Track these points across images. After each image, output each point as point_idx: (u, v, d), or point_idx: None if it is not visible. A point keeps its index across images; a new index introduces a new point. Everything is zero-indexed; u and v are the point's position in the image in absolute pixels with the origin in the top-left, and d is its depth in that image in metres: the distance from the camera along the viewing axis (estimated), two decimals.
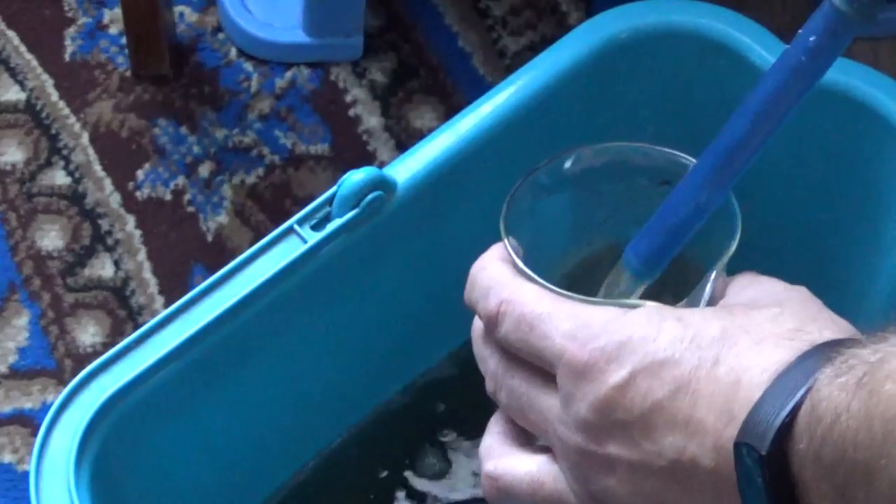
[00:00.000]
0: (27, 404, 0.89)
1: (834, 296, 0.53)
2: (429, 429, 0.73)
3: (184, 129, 0.99)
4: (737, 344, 0.47)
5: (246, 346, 0.63)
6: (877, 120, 0.66)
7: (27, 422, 0.88)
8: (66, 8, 1.05)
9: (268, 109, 1.00)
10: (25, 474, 0.85)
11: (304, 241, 0.62)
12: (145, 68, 1.01)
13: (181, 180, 0.97)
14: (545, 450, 0.52)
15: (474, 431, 0.73)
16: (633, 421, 0.48)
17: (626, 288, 0.55)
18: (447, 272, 0.60)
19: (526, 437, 0.54)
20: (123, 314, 0.92)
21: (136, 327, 0.76)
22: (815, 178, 0.70)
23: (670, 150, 0.56)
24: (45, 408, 0.88)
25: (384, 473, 0.72)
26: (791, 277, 0.53)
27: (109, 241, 0.95)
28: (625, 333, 0.48)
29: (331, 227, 0.62)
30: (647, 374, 0.47)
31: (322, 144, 0.99)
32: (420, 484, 0.72)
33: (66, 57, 1.03)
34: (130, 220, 0.95)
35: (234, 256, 0.63)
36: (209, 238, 0.95)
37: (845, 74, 0.66)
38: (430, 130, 0.69)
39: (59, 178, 0.97)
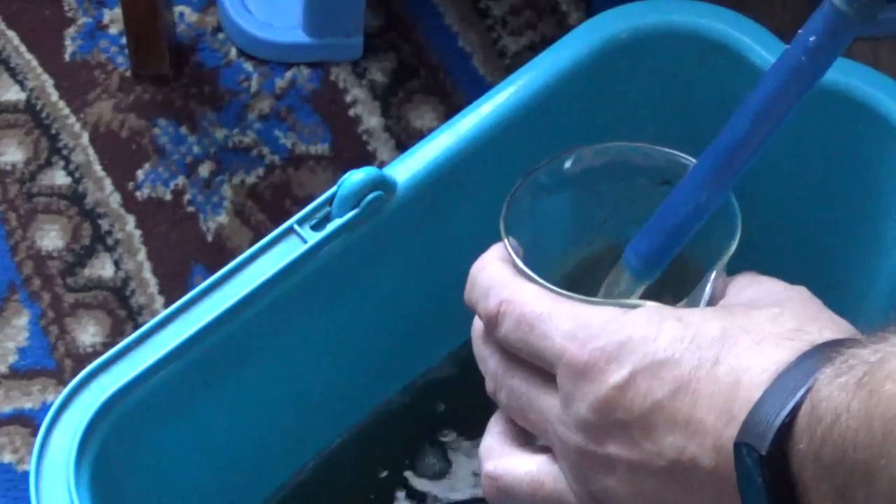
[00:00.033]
0: (27, 404, 0.89)
1: (834, 296, 0.53)
2: (429, 429, 0.73)
3: (184, 129, 0.99)
4: (737, 344, 0.47)
5: (246, 346, 0.63)
6: (877, 120, 0.66)
7: (27, 422, 0.88)
8: (66, 8, 1.05)
9: (268, 109, 1.00)
10: (25, 474, 0.85)
11: (304, 241, 0.62)
12: (145, 68, 1.01)
13: (181, 180, 0.97)
14: (545, 450, 0.52)
15: (474, 431, 0.73)
16: (633, 421, 0.48)
17: (627, 288, 0.55)
18: (447, 272, 0.60)
19: (526, 437, 0.54)
20: (123, 314, 0.92)
21: (136, 327, 0.76)
22: (815, 178, 0.70)
23: (670, 150, 0.56)
24: (45, 408, 0.88)
25: (384, 473, 0.72)
26: (791, 277, 0.53)
27: (109, 241, 0.95)
28: (625, 333, 0.48)
29: (331, 227, 0.62)
30: (647, 374, 0.47)
31: (322, 144, 0.99)
32: (420, 484, 0.72)
33: (66, 57, 1.03)
34: (130, 220, 0.95)
35: (234, 256, 0.63)
36: (209, 238, 0.95)
37: (845, 74, 0.66)
38: (430, 130, 0.69)
39: (59, 178, 0.97)
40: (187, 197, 0.96)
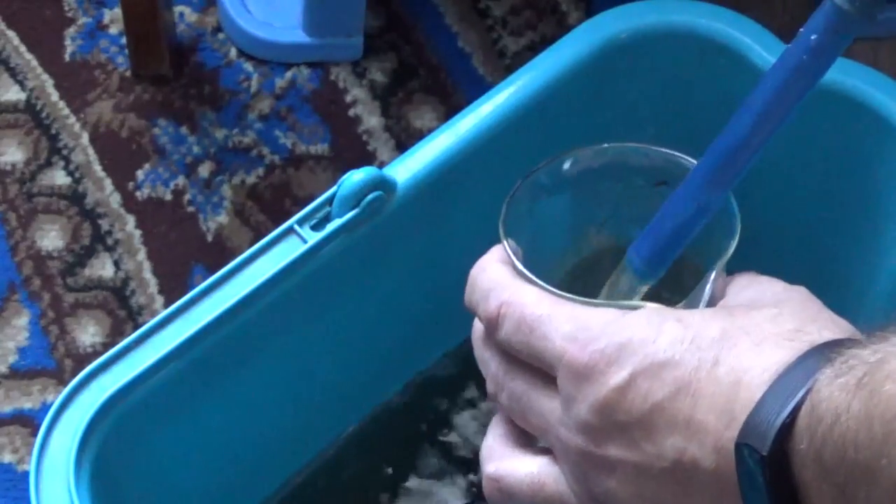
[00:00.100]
0: (27, 404, 0.89)
1: (834, 296, 0.53)
2: (429, 428, 0.73)
3: (184, 129, 0.99)
4: (737, 345, 0.47)
5: (246, 346, 0.63)
6: (877, 120, 0.66)
7: (27, 422, 0.88)
8: (66, 8, 1.05)
9: (268, 109, 1.00)
10: (25, 474, 0.85)
11: (304, 241, 0.62)
12: (145, 68, 1.01)
13: (181, 180, 0.97)
14: (546, 451, 0.52)
15: (474, 431, 0.73)
16: (633, 422, 0.48)
17: (629, 289, 0.55)
18: (447, 272, 0.60)
19: (527, 439, 0.54)
20: (123, 314, 0.92)
21: (136, 327, 0.76)
22: (815, 178, 0.70)
23: (669, 151, 0.56)
24: (45, 408, 0.88)
25: (384, 473, 0.72)
26: (791, 277, 0.53)
27: (109, 241, 0.95)
28: (625, 335, 0.48)
29: (331, 227, 0.62)
30: (647, 375, 0.47)
31: (322, 144, 0.99)
32: (420, 484, 0.72)
33: (66, 57, 1.03)
34: (130, 220, 0.95)
35: (234, 256, 0.63)
36: (209, 238, 0.95)
37: (845, 74, 0.66)
38: (430, 130, 0.69)
39: (59, 178, 0.97)
40: (187, 197, 0.96)
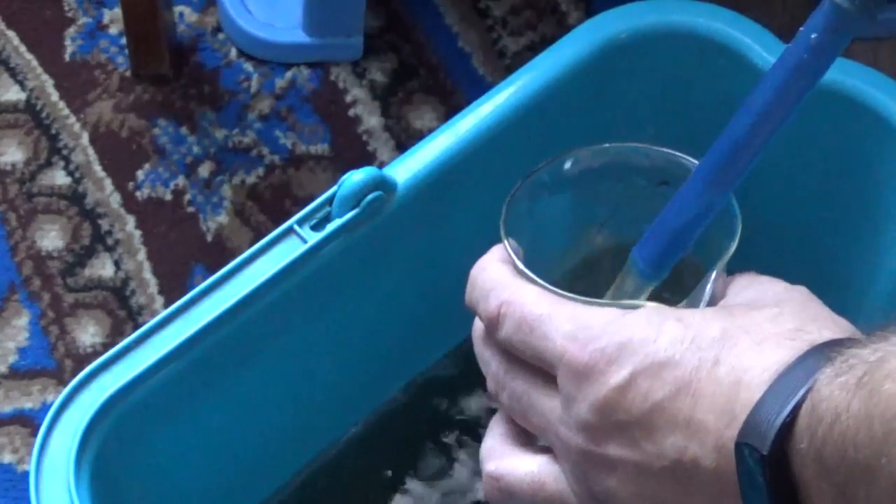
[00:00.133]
0: (27, 404, 0.89)
1: (834, 296, 0.53)
2: (430, 429, 0.73)
3: (184, 129, 0.99)
4: (737, 344, 0.47)
5: (246, 346, 0.63)
6: (877, 120, 0.66)
7: (27, 422, 0.88)
8: (66, 8, 1.05)
9: (268, 109, 1.00)
10: (25, 474, 0.85)
11: (304, 241, 0.62)
12: (145, 68, 1.01)
13: (181, 180, 0.97)
14: (546, 450, 0.52)
15: (475, 431, 0.73)
16: (633, 422, 0.48)
17: (634, 290, 0.55)
18: (447, 272, 0.60)
19: (527, 438, 0.54)
20: (123, 314, 0.92)
21: (136, 327, 0.76)
22: (815, 178, 0.70)
23: (669, 151, 0.56)
24: (45, 408, 0.88)
25: (385, 474, 0.72)
26: (791, 277, 0.53)
27: (109, 241, 0.95)
28: (625, 334, 0.48)
29: (331, 227, 0.62)
30: (647, 374, 0.47)
31: (322, 144, 0.99)
32: (421, 484, 0.72)
33: (66, 57, 1.03)
34: (130, 220, 0.95)
35: (234, 256, 0.63)
36: (209, 238, 0.95)
37: (845, 74, 0.66)
38: (430, 130, 0.69)
39: (59, 178, 0.97)
40: (187, 197, 0.96)
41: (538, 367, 0.51)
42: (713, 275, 0.53)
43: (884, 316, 0.65)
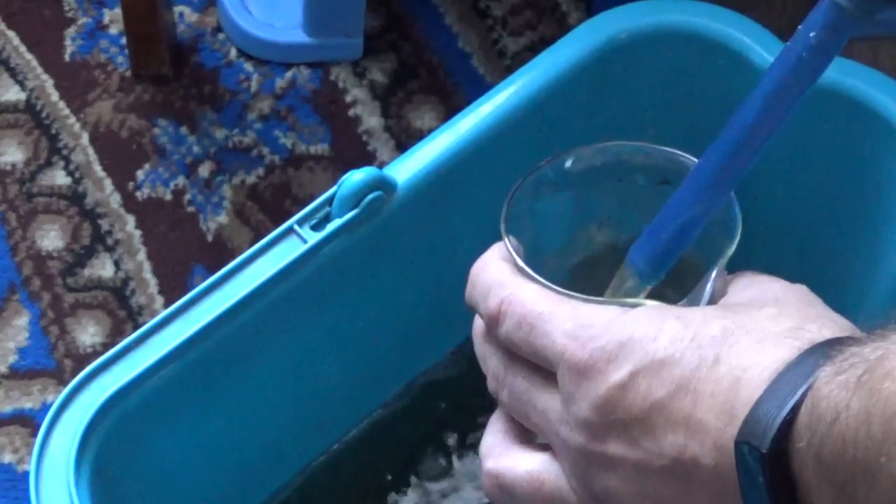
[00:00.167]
0: (27, 404, 0.89)
1: (834, 295, 0.53)
2: (430, 429, 0.73)
3: (184, 129, 0.99)
4: (737, 343, 0.47)
5: (246, 346, 0.63)
6: (877, 120, 0.66)
7: (27, 422, 0.88)
8: (66, 8, 1.05)
9: (268, 109, 1.00)
10: (25, 474, 0.85)
11: (304, 241, 0.62)
12: (145, 68, 1.01)
13: (181, 180, 0.97)
14: (546, 448, 0.52)
15: (476, 431, 0.73)
16: (633, 420, 0.48)
17: (632, 290, 0.55)
18: (447, 272, 0.60)
19: (527, 435, 0.54)
20: (123, 314, 0.92)
21: (136, 327, 0.76)
22: (815, 178, 0.70)
23: (670, 149, 0.56)
24: (45, 408, 0.88)
25: (385, 474, 0.72)
26: (791, 277, 0.53)
27: (109, 241, 0.95)
28: (625, 333, 0.48)
29: (331, 227, 0.62)
30: (647, 373, 0.47)
31: (322, 144, 0.99)
32: (422, 485, 0.72)
33: (66, 57, 1.03)
34: (130, 220, 0.95)
35: (234, 256, 0.63)
36: (209, 238, 0.95)
37: (845, 74, 0.66)
38: (430, 130, 0.69)
39: (59, 178, 0.97)
40: (187, 197, 0.96)
41: (538, 366, 0.51)
42: (713, 273, 0.53)
43: (884, 315, 0.65)
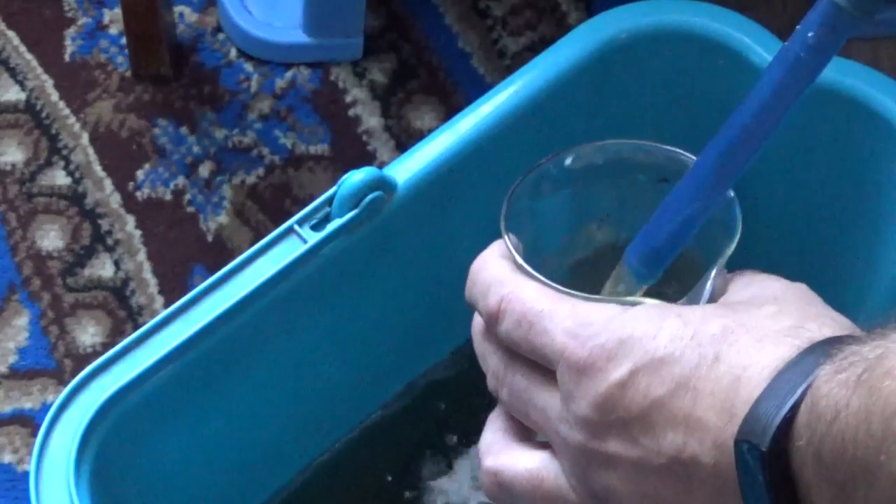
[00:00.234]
0: (27, 404, 0.89)
1: (834, 294, 0.53)
2: (430, 430, 0.73)
3: (184, 129, 0.99)
4: (737, 341, 0.47)
5: (246, 346, 0.63)
6: (877, 120, 0.66)
7: (27, 422, 0.88)
8: (66, 8, 1.05)
9: (268, 109, 1.00)
10: (25, 474, 0.85)
11: (304, 242, 0.62)
12: (145, 68, 1.01)
13: (181, 180, 0.97)
14: (545, 446, 0.52)
15: (476, 432, 0.73)
16: (633, 418, 0.48)
17: (628, 289, 0.55)
18: (447, 272, 0.60)
19: (526, 433, 0.54)
20: (123, 314, 0.92)
21: (136, 327, 0.76)
22: (815, 178, 0.70)
23: (670, 148, 0.56)
24: (45, 408, 0.88)
25: (385, 475, 0.72)
26: (791, 277, 0.53)
27: (109, 241, 0.95)
28: (625, 331, 0.48)
29: (331, 227, 0.62)
30: (647, 371, 0.47)
31: (322, 144, 0.99)
32: (422, 485, 0.72)
33: (66, 57, 1.03)
34: (130, 220, 0.96)
35: (234, 256, 0.63)
36: (209, 238, 0.95)
37: (845, 74, 0.66)
38: (430, 130, 0.69)
39: (59, 178, 0.97)
40: (187, 197, 0.96)
41: (538, 363, 0.51)
42: (713, 272, 0.53)
43: (884, 315, 0.65)
